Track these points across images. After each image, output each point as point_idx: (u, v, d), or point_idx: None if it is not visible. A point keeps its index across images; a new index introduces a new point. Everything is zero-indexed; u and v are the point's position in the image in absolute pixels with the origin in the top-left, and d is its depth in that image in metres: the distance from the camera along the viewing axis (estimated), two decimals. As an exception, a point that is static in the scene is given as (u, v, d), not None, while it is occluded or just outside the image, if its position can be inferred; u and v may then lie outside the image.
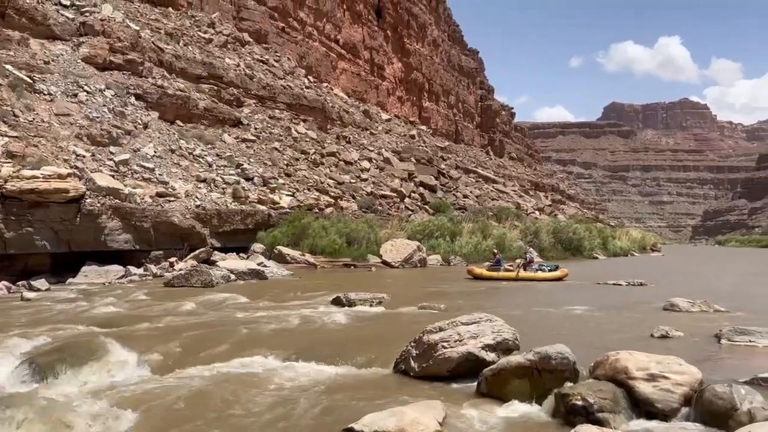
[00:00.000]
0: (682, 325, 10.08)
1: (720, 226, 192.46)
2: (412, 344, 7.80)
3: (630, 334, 9.72)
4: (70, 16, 32.21)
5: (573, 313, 12.58)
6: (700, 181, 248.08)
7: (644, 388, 6.14)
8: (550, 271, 21.47)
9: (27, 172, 17.73)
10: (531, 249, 33.65)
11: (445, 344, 7.48)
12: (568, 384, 6.48)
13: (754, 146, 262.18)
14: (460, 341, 7.48)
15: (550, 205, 77.35)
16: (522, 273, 20.90)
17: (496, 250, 25.05)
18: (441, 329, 7.76)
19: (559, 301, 14.93)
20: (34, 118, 22.79)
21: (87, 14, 33.12)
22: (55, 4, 32.60)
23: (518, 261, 22.46)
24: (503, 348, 7.50)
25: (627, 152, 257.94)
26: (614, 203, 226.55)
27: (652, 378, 6.21)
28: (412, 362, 7.61)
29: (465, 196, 51.98)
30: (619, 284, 19.39)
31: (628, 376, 6.28)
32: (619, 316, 12.04)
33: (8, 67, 24.55)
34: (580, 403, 5.91)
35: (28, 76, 25.03)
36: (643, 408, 6.07)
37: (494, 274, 20.88)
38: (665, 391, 6.11)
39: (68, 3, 33.45)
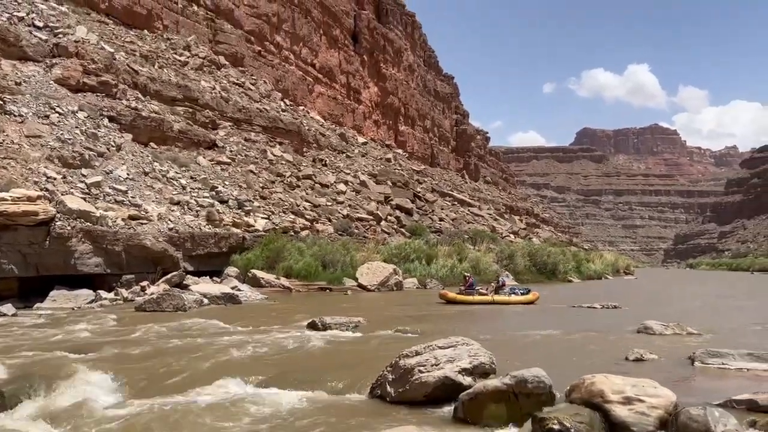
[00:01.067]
0: (657, 348, 10.16)
1: (691, 250, 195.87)
2: (389, 369, 7.71)
3: (605, 357, 9.75)
4: (44, 37, 31.90)
5: (549, 337, 12.60)
6: (671, 205, 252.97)
7: (620, 411, 6.14)
8: (522, 294, 21.50)
9: (-5, 195, 17.34)
10: (507, 272, 33.88)
11: (421, 368, 7.41)
12: (546, 408, 6.45)
13: (722, 171, 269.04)
14: (437, 365, 7.41)
15: (524, 229, 78.04)
16: (495, 297, 20.86)
17: (467, 274, 24.63)
18: (417, 353, 7.69)
19: (535, 324, 14.96)
20: (3, 140, 22.37)
21: (61, 36, 32.83)
22: (29, 26, 32.28)
23: (492, 284, 22.47)
24: (480, 372, 7.46)
25: (599, 176, 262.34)
26: (588, 227, 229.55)
27: (627, 401, 6.22)
28: (388, 387, 7.52)
29: (441, 219, 52.20)
30: (594, 307, 19.51)
31: (604, 399, 6.28)
32: (594, 340, 12.09)
33: (-22, 87, 24.16)
34: (556, 427, 5.88)
35: (-2, 97, 24.63)
36: (619, 431, 6.06)
37: (468, 298, 20.65)
38: (641, 414, 6.11)
39: (41, 24, 33.15)
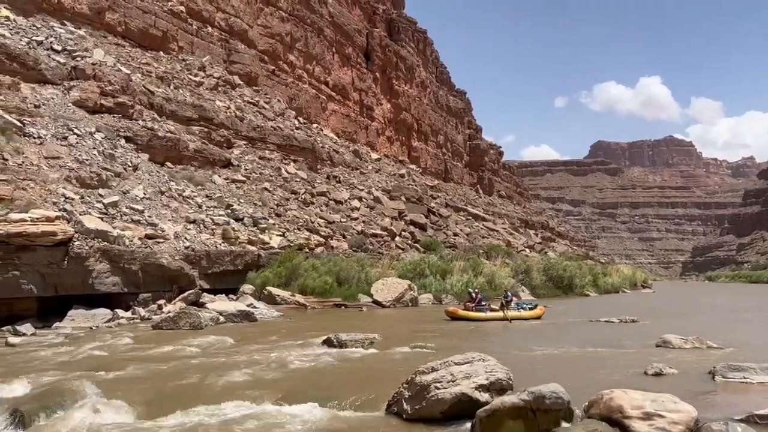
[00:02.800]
0: (676, 363, 10.02)
1: (710, 262, 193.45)
2: (405, 385, 7.67)
3: (624, 372, 9.64)
4: (62, 60, 32.51)
5: (566, 352, 12.48)
6: (688, 218, 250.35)
7: (639, 427, 6.07)
8: (529, 309, 21.23)
9: (15, 216, 17.58)
10: (521, 287, 33.64)
11: (438, 385, 7.37)
12: (564, 424, 6.39)
13: (740, 182, 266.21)
14: (453, 382, 7.37)
15: (540, 243, 77.58)
16: (508, 313, 20.42)
17: (473, 290, 23.13)
18: (434, 370, 7.65)
19: (552, 339, 14.82)
20: (23, 162, 22.74)
21: (78, 59, 33.43)
22: (47, 49, 32.93)
23: (502, 300, 22.10)
24: (497, 388, 7.40)
25: (615, 189, 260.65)
26: (604, 240, 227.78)
27: (647, 416, 6.14)
28: (404, 404, 7.48)
29: (455, 234, 52.06)
30: (612, 321, 19.31)
31: (623, 415, 6.20)
32: (612, 354, 11.96)
33: (-2, 110, 24.62)
34: (575, 443, 5.81)
35: (18, 120, 25.06)
36: (639, 448, 5.98)
37: (480, 315, 20.18)
38: (661, 429, 6.03)
39: (60, 48, 33.80)
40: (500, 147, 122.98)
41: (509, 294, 22.49)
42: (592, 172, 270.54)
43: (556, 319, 21.22)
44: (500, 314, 20.37)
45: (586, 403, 6.71)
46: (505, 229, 72.26)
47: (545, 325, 19.41)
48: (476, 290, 23.31)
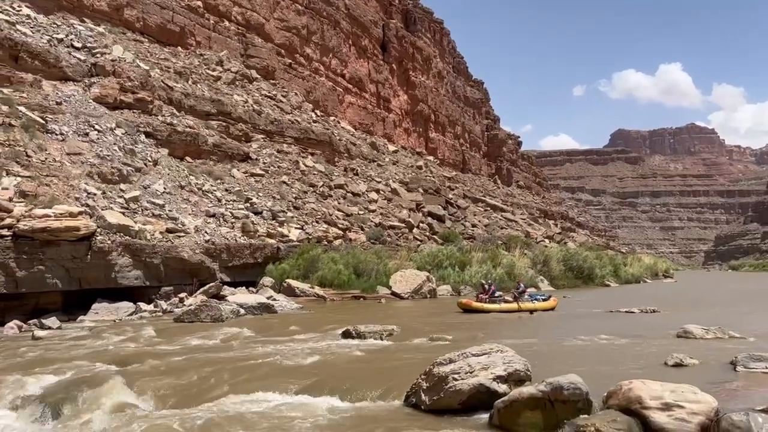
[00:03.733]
0: (697, 353, 9.94)
1: (733, 251, 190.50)
2: (423, 377, 7.73)
3: (643, 362, 9.59)
4: (82, 57, 32.90)
5: (585, 343, 12.44)
6: (710, 206, 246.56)
7: (659, 417, 6.05)
8: (543, 300, 21.02)
9: (39, 211, 17.91)
10: (542, 277, 33.47)
11: (455, 376, 7.41)
12: (582, 415, 6.39)
13: (764, 170, 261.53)
14: (471, 373, 7.40)
15: (559, 233, 77.02)
16: (522, 305, 20.18)
17: (485, 281, 22.83)
18: (451, 361, 7.69)
19: (571, 330, 14.77)
20: (46, 158, 23.12)
21: (98, 55, 33.81)
22: (67, 47, 33.34)
23: (513, 292, 21.80)
24: (515, 379, 7.42)
25: (635, 178, 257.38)
26: (624, 230, 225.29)
27: (666, 407, 6.12)
28: (422, 395, 7.53)
29: (474, 225, 51.90)
30: (632, 312, 19.17)
31: (642, 405, 6.19)
32: (631, 345, 11.89)
33: (21, 108, 25.01)
34: (594, 434, 5.81)
35: (40, 117, 25.47)
36: (658, 438, 5.96)
37: (494, 306, 20.01)
38: (680, 420, 6.01)
39: (80, 45, 34.20)
40: (518, 137, 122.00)
41: (521, 285, 22.17)
42: (612, 161, 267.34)
43: (575, 310, 21.12)
44: (514, 306, 20.19)
45: (605, 394, 6.70)
46: (524, 219, 71.85)
47: (564, 315, 19.34)
48: (489, 282, 22.96)
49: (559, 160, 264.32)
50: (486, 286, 21.50)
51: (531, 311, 19.88)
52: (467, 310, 19.84)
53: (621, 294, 31.01)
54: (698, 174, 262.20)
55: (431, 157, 78.23)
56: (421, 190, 50.84)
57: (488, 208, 65.70)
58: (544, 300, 21.11)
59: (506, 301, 20.59)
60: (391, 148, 68.60)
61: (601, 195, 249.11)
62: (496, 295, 20.91)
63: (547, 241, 61.23)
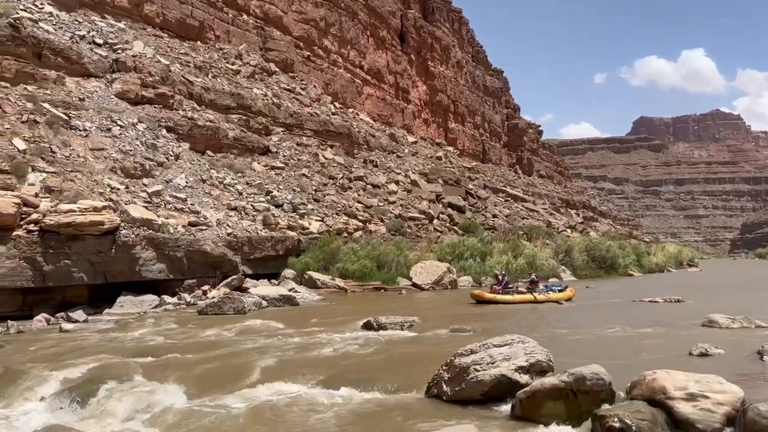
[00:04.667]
0: (722, 342, 9.81)
1: (760, 239, 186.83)
2: (444, 368, 7.74)
3: (667, 352, 9.50)
4: (104, 53, 33.26)
5: (608, 333, 12.34)
6: (736, 193, 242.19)
7: (684, 408, 5.99)
8: (559, 291, 20.51)
9: (64, 206, 18.21)
10: (564, 267, 33.20)
11: (477, 367, 7.41)
12: (605, 405, 6.36)
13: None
14: (493, 364, 7.40)
15: (581, 223, 76.27)
16: (537, 296, 19.74)
17: (499, 272, 22.37)
18: (473, 352, 7.69)
19: (593, 320, 14.66)
20: (70, 154, 23.47)
21: (119, 51, 34.15)
22: (89, 43, 33.71)
23: (521, 282, 21.32)
24: (537, 370, 7.40)
25: (659, 166, 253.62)
26: (648, 219, 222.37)
27: (691, 397, 6.05)
28: (444, 386, 7.55)
29: (494, 216, 51.64)
30: (656, 301, 18.96)
31: (667, 396, 6.13)
32: (655, 335, 11.77)
33: (46, 105, 25.40)
34: (617, 425, 5.78)
35: (64, 114, 25.85)
36: (683, 429, 5.91)
37: (507, 297, 19.58)
38: (706, 410, 5.94)
39: (101, 41, 34.56)
40: (539, 126, 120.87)
41: (534, 276, 21.49)
42: (634, 149, 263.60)
43: (598, 300, 20.95)
44: (528, 297, 19.75)
45: (628, 385, 6.65)
46: (545, 209, 71.29)
47: (586, 305, 19.19)
48: (502, 272, 22.38)
49: (581, 149, 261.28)
50: (500, 277, 21.05)
51: (536, 302, 19.50)
52: (480, 301, 19.53)
53: (644, 283, 30.68)
54: (723, 161, 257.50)
55: (451, 148, 77.87)
56: (441, 181, 50.68)
57: (509, 199, 65.29)
58: (560, 290, 20.61)
59: (520, 292, 20.12)
60: (411, 139, 68.43)
61: (623, 183, 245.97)
62: (509, 286, 20.45)
63: (569, 231, 60.70)
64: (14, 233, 17.00)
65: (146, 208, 22.38)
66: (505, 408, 6.96)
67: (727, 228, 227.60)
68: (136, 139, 27.72)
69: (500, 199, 62.88)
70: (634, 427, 5.72)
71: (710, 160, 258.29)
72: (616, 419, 5.82)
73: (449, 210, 45.47)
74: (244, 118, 38.61)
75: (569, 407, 6.49)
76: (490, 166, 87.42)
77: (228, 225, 25.20)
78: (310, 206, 32.32)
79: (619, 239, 54.14)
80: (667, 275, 43.30)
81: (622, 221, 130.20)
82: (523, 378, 7.21)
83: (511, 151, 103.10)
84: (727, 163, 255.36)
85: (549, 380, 6.75)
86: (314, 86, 54.34)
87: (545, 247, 37.89)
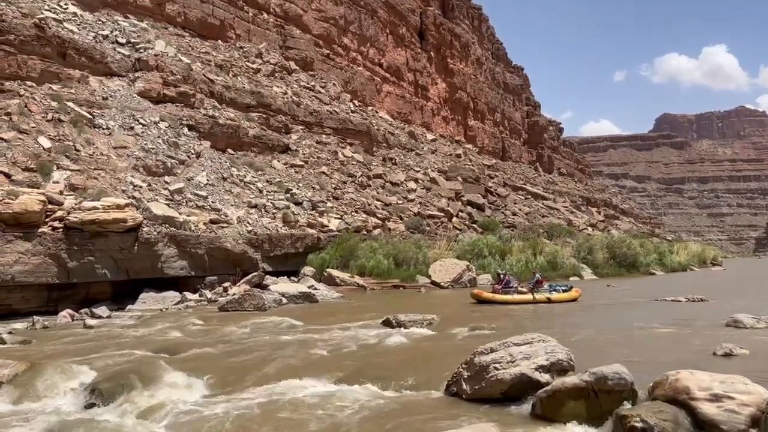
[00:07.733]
0: (747, 343, 9.66)
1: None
2: (464, 366, 7.71)
3: (691, 352, 9.37)
4: (126, 53, 33.68)
5: (629, 332, 12.21)
6: (761, 191, 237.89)
7: (707, 409, 5.91)
8: (563, 291, 19.91)
9: (88, 204, 18.49)
10: (584, 266, 32.89)
11: (497, 366, 7.38)
12: (627, 405, 6.30)
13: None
14: (513, 362, 7.36)
15: (603, 221, 75.55)
16: (537, 296, 19.30)
17: (501, 271, 22.04)
18: (493, 350, 7.66)
19: (614, 319, 14.52)
20: (93, 152, 23.82)
21: (141, 50, 34.55)
22: (112, 43, 34.15)
23: (526, 282, 21.01)
24: (557, 369, 7.34)
25: (682, 164, 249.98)
26: (671, 217, 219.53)
27: (715, 398, 5.97)
28: (463, 384, 7.53)
29: (514, 214, 51.37)
30: (678, 300, 18.71)
31: (690, 396, 6.05)
32: (678, 334, 11.63)
33: (70, 104, 25.81)
34: (639, 425, 5.72)
35: (88, 112, 26.23)
36: (706, 430, 5.83)
37: (506, 297, 19.06)
38: (730, 411, 5.86)
39: (124, 41, 35.00)
40: (560, 123, 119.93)
41: (538, 275, 21.07)
42: (657, 147, 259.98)
43: (620, 299, 20.73)
44: (528, 297, 19.33)
45: (651, 385, 6.57)
46: (566, 207, 70.71)
47: (608, 305, 19.00)
48: (504, 271, 22.07)
49: (602, 147, 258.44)
50: (501, 276, 20.68)
51: (535, 302, 19.01)
52: (480, 301, 19.20)
53: (666, 282, 30.30)
54: (748, 158, 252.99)
55: (470, 146, 77.57)
56: (460, 179, 50.51)
57: (529, 196, 64.88)
58: (564, 291, 19.94)
59: (520, 292, 19.70)
60: (430, 136, 68.28)
61: (645, 181, 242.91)
62: (510, 285, 20.02)
63: (590, 229, 60.17)
64: (39, 230, 17.31)
65: (168, 205, 22.65)
66: (525, 407, 6.92)
67: (751, 227, 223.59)
68: (158, 137, 28.03)
69: (520, 197, 62.52)
70: (656, 428, 5.66)
71: (735, 158, 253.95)
72: (638, 419, 5.75)
73: (468, 208, 45.33)
74: (264, 116, 38.85)
75: (590, 407, 6.43)
76: (509, 163, 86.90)
77: (248, 222, 25.40)
78: (329, 204, 32.43)
79: (640, 238, 53.51)
80: (690, 274, 42.70)
81: (644, 219, 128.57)
82: (544, 377, 7.16)
83: (531, 148, 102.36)
84: (752, 160, 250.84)
85: (570, 379, 6.70)
86: (333, 84, 54.46)
87: (566, 245, 37.59)
